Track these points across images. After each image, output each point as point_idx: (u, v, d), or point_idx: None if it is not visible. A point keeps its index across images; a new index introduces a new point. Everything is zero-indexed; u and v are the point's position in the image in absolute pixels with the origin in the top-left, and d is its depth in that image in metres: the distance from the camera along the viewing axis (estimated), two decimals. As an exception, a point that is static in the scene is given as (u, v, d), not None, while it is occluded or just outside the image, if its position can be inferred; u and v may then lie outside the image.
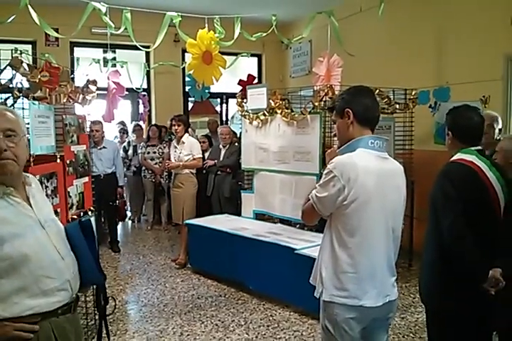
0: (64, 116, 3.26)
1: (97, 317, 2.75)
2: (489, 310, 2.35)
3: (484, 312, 2.32)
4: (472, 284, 2.25)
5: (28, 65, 2.75)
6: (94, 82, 3.61)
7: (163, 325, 3.89)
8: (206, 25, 4.35)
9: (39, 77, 2.90)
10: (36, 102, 2.82)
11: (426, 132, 5.50)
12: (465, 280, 2.26)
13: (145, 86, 7.86)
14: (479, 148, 2.47)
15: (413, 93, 5.02)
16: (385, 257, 2.07)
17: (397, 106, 4.91)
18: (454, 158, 2.44)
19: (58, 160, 3.10)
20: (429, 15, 5.52)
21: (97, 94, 3.71)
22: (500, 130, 3.55)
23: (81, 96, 3.34)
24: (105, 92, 5.24)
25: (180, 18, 4.20)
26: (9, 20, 3.97)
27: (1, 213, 1.56)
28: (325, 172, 2.05)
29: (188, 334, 3.72)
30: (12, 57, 2.64)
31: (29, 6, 3.76)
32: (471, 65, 4.98)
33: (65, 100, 3.09)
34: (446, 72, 5.39)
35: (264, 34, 4.72)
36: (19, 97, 2.63)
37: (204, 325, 3.88)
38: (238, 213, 5.72)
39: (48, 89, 2.81)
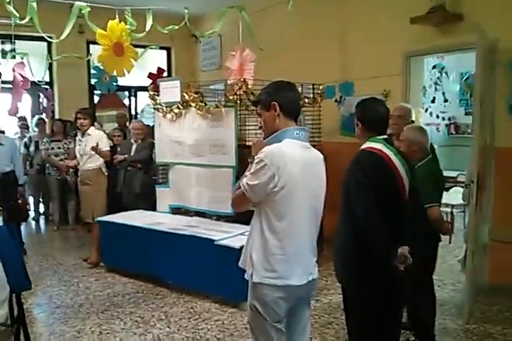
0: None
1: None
2: (400, 291, 2.55)
3: (397, 294, 2.52)
4: (386, 269, 2.40)
5: None
6: (-2, 74, 3.38)
7: (80, 325, 3.76)
8: (117, 16, 4.23)
9: None
10: None
11: (333, 125, 5.79)
12: (379, 265, 2.41)
13: (47, 79, 7.46)
14: (385, 136, 2.65)
15: (320, 87, 5.25)
16: (309, 239, 2.24)
17: (306, 100, 5.11)
18: (364, 146, 2.60)
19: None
20: (334, 13, 5.79)
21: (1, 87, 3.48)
22: (412, 121, 3.83)
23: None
24: (8, 85, 4.91)
25: (89, 9, 4.05)
26: None
27: None
28: (255, 161, 2.14)
29: (107, 333, 3.63)
30: None
31: None
32: (373, 61, 5.32)
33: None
34: (350, 67, 5.70)
35: (177, 27, 4.69)
36: None
37: (123, 322, 3.81)
38: (152, 209, 5.64)
39: None
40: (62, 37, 4.15)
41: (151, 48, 6.59)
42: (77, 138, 5.52)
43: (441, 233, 3.40)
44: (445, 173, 6.62)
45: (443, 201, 3.50)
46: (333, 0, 5.78)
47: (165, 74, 7.82)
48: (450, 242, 5.72)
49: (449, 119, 9.47)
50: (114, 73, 4.22)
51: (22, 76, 4.72)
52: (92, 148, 5.07)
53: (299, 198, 2.15)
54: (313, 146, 5.43)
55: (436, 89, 9.26)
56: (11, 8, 3.96)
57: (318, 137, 5.41)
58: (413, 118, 3.91)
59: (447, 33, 4.60)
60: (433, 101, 9.26)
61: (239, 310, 3.94)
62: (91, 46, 7.68)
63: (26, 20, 4.05)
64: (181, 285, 4.41)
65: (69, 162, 5.63)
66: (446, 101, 9.41)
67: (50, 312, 4.04)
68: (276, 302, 2.16)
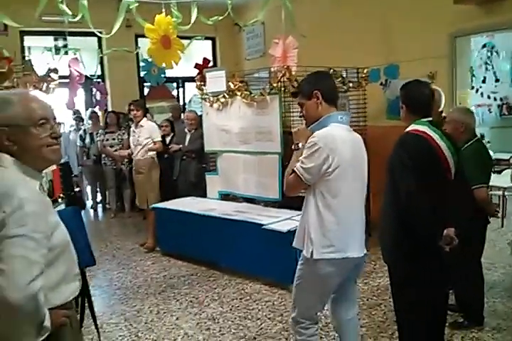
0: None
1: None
2: (446, 270, 2.60)
3: (442, 274, 2.57)
4: (431, 249, 2.46)
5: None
6: (56, 71, 3.62)
7: (139, 305, 4.01)
8: (163, 10, 4.38)
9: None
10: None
11: (378, 108, 5.76)
12: (424, 244, 2.46)
13: (99, 73, 7.77)
14: (430, 119, 2.68)
15: (365, 71, 5.24)
16: (360, 214, 2.47)
17: (351, 84, 5.13)
18: (409, 129, 2.64)
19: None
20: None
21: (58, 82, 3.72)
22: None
23: (45, 84, 3.35)
24: (65, 80, 5.20)
25: (137, 4, 4.21)
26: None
27: (46, 201, 1.57)
28: (308, 145, 2.31)
29: (164, 312, 3.85)
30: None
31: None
32: (418, 43, 5.25)
33: (31, 89, 3.10)
34: (394, 50, 5.64)
35: (221, 18, 4.78)
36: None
37: (179, 303, 4.03)
38: (205, 196, 5.85)
39: (15, 79, 2.83)
40: (113, 32, 4.34)
41: (196, 39, 6.75)
42: (131, 129, 5.75)
43: (489, 215, 3.39)
44: (497, 156, 6.51)
45: (495, 184, 3.49)
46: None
47: (210, 64, 7.99)
48: (502, 225, 5.64)
49: (501, 100, 9.13)
50: (163, 65, 4.37)
51: (77, 71, 4.98)
52: (150, 149, 5.34)
53: (350, 176, 2.35)
54: (358, 130, 5.52)
55: (486, 68, 8.94)
56: (63, 6, 4.16)
57: (363, 121, 5.41)
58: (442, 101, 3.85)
59: (492, 12, 4.49)
60: (483, 81, 8.96)
61: (288, 292, 4.06)
62: (139, 39, 7.93)
63: (78, 17, 4.26)
64: (233, 268, 4.58)
65: (122, 152, 5.89)
66: (497, 81, 9.07)
67: (111, 293, 4.31)
68: (330, 275, 2.35)
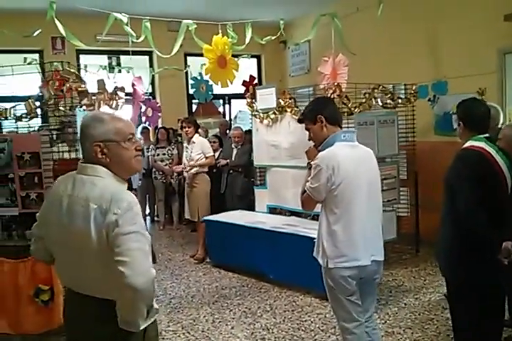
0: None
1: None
2: (502, 279, 2.63)
3: (498, 280, 2.60)
4: (487, 255, 2.52)
5: (76, 75, 3.00)
6: (123, 89, 3.85)
7: (195, 314, 4.15)
8: (220, 31, 4.60)
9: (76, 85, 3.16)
10: (81, 109, 3.06)
11: (426, 124, 5.80)
12: (481, 251, 2.53)
13: (150, 90, 8.10)
14: (487, 135, 2.75)
15: (413, 88, 5.30)
16: (370, 224, 2.61)
17: (400, 100, 5.20)
18: (466, 145, 2.71)
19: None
20: (423, 13, 5.81)
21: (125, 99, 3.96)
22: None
23: (114, 102, 3.58)
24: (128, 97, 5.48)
25: (195, 26, 4.45)
26: (35, 34, 4.22)
27: None
28: (313, 166, 2.57)
29: (219, 321, 3.98)
30: (63, 68, 2.88)
31: (55, 19, 4.00)
32: (467, 59, 5.29)
33: (103, 106, 3.34)
34: (443, 66, 5.69)
35: (273, 37, 4.99)
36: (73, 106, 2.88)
37: (233, 313, 4.15)
38: (250, 209, 6.00)
39: (93, 97, 3.06)
40: (173, 52, 4.61)
41: (243, 58, 7.00)
42: (184, 145, 5.96)
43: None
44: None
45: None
46: (423, 1, 5.80)
47: (255, 81, 8.22)
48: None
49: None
50: (219, 84, 4.57)
51: (140, 89, 5.24)
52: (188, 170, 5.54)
53: (355, 190, 2.55)
54: (406, 146, 5.57)
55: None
56: (128, 28, 4.44)
57: (411, 137, 5.46)
58: (500, 119, 3.88)
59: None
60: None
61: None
62: (188, 58, 8.25)
63: (142, 38, 4.53)
64: (282, 281, 4.67)
65: (177, 167, 6.11)
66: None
67: (167, 302, 4.47)
68: (346, 280, 2.55)
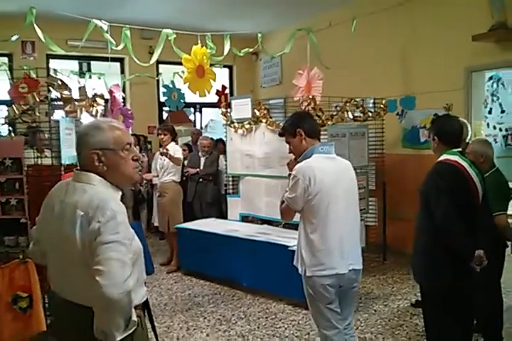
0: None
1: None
2: (475, 286, 2.79)
3: (470, 287, 2.76)
4: (461, 262, 2.67)
5: (61, 82, 3.00)
6: (102, 96, 3.86)
7: (169, 321, 4.15)
8: (199, 41, 4.66)
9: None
10: (64, 116, 3.06)
11: (394, 137, 6.02)
12: (456, 259, 2.68)
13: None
14: (460, 149, 2.92)
15: (383, 102, 5.50)
16: (347, 233, 2.72)
17: (370, 114, 5.38)
18: (441, 158, 2.87)
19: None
20: (395, 30, 6.04)
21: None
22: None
23: (94, 109, 3.59)
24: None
25: (175, 35, 4.50)
26: (13, 38, 4.17)
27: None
28: (291, 177, 2.69)
29: (194, 329, 4.00)
30: (48, 75, 2.88)
31: (34, 24, 3.97)
32: (435, 76, 5.54)
33: (83, 114, 3.34)
34: (412, 82, 5.93)
35: (251, 49, 5.09)
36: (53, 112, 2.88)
37: (207, 320, 4.18)
38: (221, 217, 6.06)
39: (75, 104, 3.06)
40: (152, 61, 4.63)
41: (216, 67, 7.07)
42: (157, 153, 5.93)
43: (508, 240, 3.60)
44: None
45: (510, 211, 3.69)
46: (395, 18, 6.04)
47: (227, 90, 8.29)
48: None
49: (506, 130, 9.43)
50: (197, 94, 4.62)
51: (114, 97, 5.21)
52: (162, 153, 5.45)
53: (332, 200, 2.65)
54: (376, 158, 5.75)
55: (493, 100, 9.27)
56: (108, 36, 4.43)
57: (380, 149, 5.66)
58: (469, 133, 4.10)
59: (509, 49, 4.79)
60: (490, 112, 9.27)
61: (312, 312, 4.22)
62: (160, 66, 8.27)
63: (121, 46, 4.54)
64: (255, 288, 4.74)
65: (147, 175, 6.10)
66: (503, 112, 9.39)
67: (140, 310, 4.44)
68: (325, 288, 2.64)
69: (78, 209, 1.68)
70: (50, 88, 2.93)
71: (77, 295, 1.74)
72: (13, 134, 3.31)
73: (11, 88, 5.14)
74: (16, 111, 2.98)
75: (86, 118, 3.88)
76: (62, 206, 1.76)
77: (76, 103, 3.22)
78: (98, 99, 3.85)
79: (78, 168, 1.86)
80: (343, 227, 2.70)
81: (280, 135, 2.98)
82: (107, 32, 4.33)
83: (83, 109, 3.33)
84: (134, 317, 1.70)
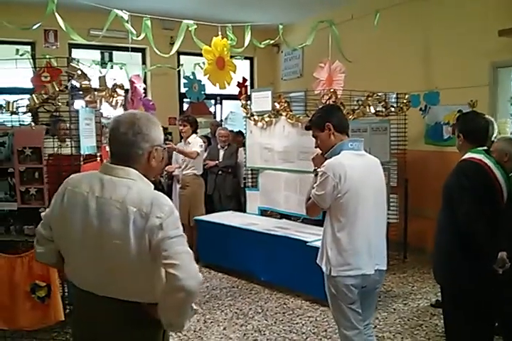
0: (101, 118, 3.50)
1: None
2: (497, 288, 2.71)
3: (492, 289, 2.69)
4: (484, 263, 2.60)
5: (81, 71, 2.98)
6: (122, 86, 3.84)
7: (185, 313, 4.15)
8: (219, 32, 4.62)
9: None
10: (83, 106, 3.05)
11: (417, 133, 5.91)
12: (478, 260, 2.61)
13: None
14: (485, 148, 2.84)
15: (406, 97, 5.40)
16: (375, 233, 2.63)
17: (392, 109, 5.28)
18: (465, 156, 2.79)
19: (98, 159, 3.34)
20: (419, 24, 5.91)
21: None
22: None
23: (114, 99, 3.57)
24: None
25: (195, 26, 4.46)
26: (35, 27, 4.17)
27: None
28: (320, 174, 2.58)
29: (211, 322, 4.00)
30: (68, 64, 2.87)
31: (56, 13, 3.96)
32: (460, 71, 5.40)
33: (103, 104, 3.32)
34: (435, 77, 5.80)
35: (272, 41, 5.02)
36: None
37: (224, 313, 4.17)
38: (240, 210, 6.04)
39: (95, 94, 3.04)
40: (172, 52, 4.61)
41: (236, 59, 7.02)
42: (178, 144, 5.91)
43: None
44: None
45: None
46: (419, 11, 5.90)
47: (247, 83, 8.24)
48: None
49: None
50: (217, 86, 4.59)
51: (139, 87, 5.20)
52: (171, 148, 5.39)
53: (361, 199, 2.56)
54: (398, 154, 5.64)
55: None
56: (129, 26, 4.42)
57: (403, 145, 5.56)
58: (495, 131, 3.97)
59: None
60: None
61: (329, 309, 4.17)
62: (181, 57, 8.24)
63: (142, 36, 4.52)
64: (273, 283, 4.71)
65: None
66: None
67: (157, 301, 4.46)
68: (349, 288, 2.57)
69: (129, 206, 1.67)
70: (70, 78, 2.90)
71: (124, 291, 1.73)
72: (33, 123, 3.29)
73: (33, 76, 5.20)
74: (36, 101, 2.97)
75: (106, 109, 3.90)
76: (100, 202, 1.71)
77: (96, 93, 3.19)
78: (118, 90, 3.82)
79: (109, 161, 1.81)
80: (371, 227, 2.61)
81: (307, 128, 2.88)
82: (127, 22, 4.31)
83: (103, 99, 3.30)
84: (194, 305, 1.78)
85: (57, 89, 2.95)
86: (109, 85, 3.82)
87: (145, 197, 1.69)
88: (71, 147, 3.49)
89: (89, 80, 3.04)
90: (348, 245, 2.55)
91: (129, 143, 1.75)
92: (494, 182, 2.72)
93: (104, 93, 3.47)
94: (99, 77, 3.48)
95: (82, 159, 3.09)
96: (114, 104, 3.68)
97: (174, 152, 5.86)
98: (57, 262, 1.90)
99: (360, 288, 2.61)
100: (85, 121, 3.11)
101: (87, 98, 3.05)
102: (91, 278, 1.77)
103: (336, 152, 2.63)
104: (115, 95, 3.80)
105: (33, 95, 3.04)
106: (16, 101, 3.11)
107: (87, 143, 3.12)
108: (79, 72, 2.98)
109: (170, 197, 7.02)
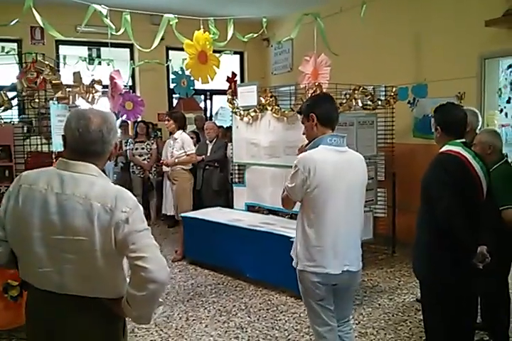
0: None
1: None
2: (475, 286, 2.67)
3: (471, 283, 2.64)
4: (462, 257, 2.55)
5: (50, 67, 2.92)
6: (100, 82, 3.78)
7: (169, 311, 4.12)
8: (201, 26, 4.55)
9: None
10: (56, 102, 2.99)
11: (405, 126, 5.85)
12: (456, 253, 2.56)
13: (130, 83, 7.99)
14: (463, 140, 2.78)
15: (393, 90, 5.33)
16: (345, 233, 2.55)
17: (380, 102, 5.22)
18: (443, 149, 2.74)
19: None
20: (407, 16, 5.86)
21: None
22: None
23: (91, 95, 3.51)
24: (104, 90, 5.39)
25: (176, 20, 4.39)
26: (12, 23, 4.11)
27: None
28: (293, 166, 2.54)
29: (193, 319, 3.96)
30: (36, 60, 2.81)
31: (33, 9, 3.90)
32: (448, 63, 5.34)
33: (78, 100, 3.27)
34: (423, 69, 5.74)
35: (255, 35, 4.95)
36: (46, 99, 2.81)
37: (207, 311, 4.13)
38: (228, 205, 5.99)
39: (68, 90, 2.99)
40: (153, 47, 4.53)
41: (225, 54, 6.95)
42: (167, 140, 5.86)
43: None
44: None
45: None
46: (406, 3, 5.84)
47: (237, 77, 8.16)
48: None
49: (526, 120, 9.14)
50: (200, 80, 4.52)
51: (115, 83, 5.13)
52: (168, 164, 5.47)
53: (332, 196, 2.49)
54: (385, 148, 5.58)
55: (511, 89, 8.97)
56: (108, 21, 4.35)
57: (390, 139, 5.50)
58: (479, 123, 3.90)
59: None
60: (508, 101, 8.97)
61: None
62: (170, 52, 8.16)
63: (121, 31, 4.44)
64: (258, 279, 4.67)
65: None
66: (523, 101, 9.09)
67: (141, 299, 4.42)
68: (315, 285, 2.54)
69: (93, 201, 1.66)
70: (39, 73, 2.84)
71: (87, 287, 1.72)
72: (1, 121, 3.23)
73: (19, 74, 5.15)
74: (4, 97, 2.90)
75: (83, 105, 3.84)
76: (60, 198, 1.68)
77: (69, 89, 3.13)
78: (96, 86, 3.76)
79: (66, 157, 1.76)
80: (340, 226, 2.52)
81: (298, 113, 2.86)
82: (106, 17, 4.24)
83: (77, 95, 3.24)
84: (160, 298, 1.80)
85: (26, 86, 2.89)
86: (87, 81, 3.77)
87: (109, 192, 1.70)
88: (47, 144, 3.44)
89: (58, 76, 2.97)
90: (316, 242, 2.50)
91: (102, 140, 1.76)
92: (473, 176, 2.67)
93: (78, 89, 3.40)
94: (74, 73, 3.42)
95: (54, 156, 3.03)
96: (90, 99, 3.62)
97: (164, 147, 5.81)
98: (9, 262, 1.85)
99: (330, 285, 2.56)
100: (58, 117, 3.05)
101: (59, 94, 2.99)
102: (51, 277, 1.73)
103: (314, 145, 2.57)
104: (93, 91, 3.75)
105: (0, 92, 2.98)
106: (-13, 98, 3.05)
107: (59, 140, 3.05)
108: (48, 67, 2.91)
109: (160, 193, 7.06)
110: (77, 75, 3.38)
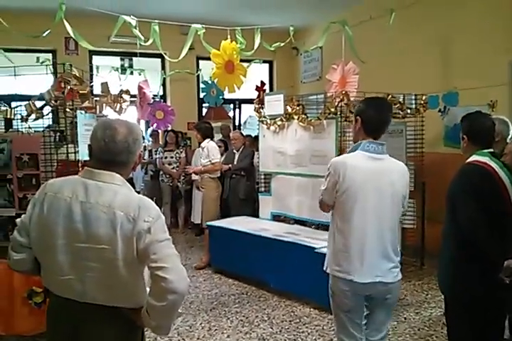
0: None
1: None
2: (503, 296, 2.56)
3: (497, 296, 2.53)
4: (488, 269, 2.46)
5: (76, 77, 2.99)
6: (128, 92, 3.84)
7: (192, 320, 4.11)
8: (229, 36, 4.58)
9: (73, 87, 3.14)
10: (83, 112, 3.05)
11: (436, 135, 5.71)
12: (481, 266, 2.47)
13: (161, 93, 8.11)
14: (491, 150, 2.69)
15: (423, 98, 5.22)
16: (375, 242, 2.47)
17: (409, 110, 5.12)
18: (470, 159, 2.65)
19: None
20: (435, 23, 5.74)
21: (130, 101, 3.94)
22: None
23: (118, 105, 3.57)
24: (133, 99, 5.49)
25: (204, 30, 4.43)
26: (44, 34, 4.22)
27: None
28: (327, 169, 2.54)
29: (216, 329, 3.93)
30: (64, 70, 2.88)
31: (64, 20, 4.00)
32: (478, 70, 5.19)
33: (106, 109, 3.32)
34: (453, 77, 5.60)
35: (282, 44, 4.95)
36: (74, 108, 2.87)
37: (230, 321, 4.10)
38: (254, 214, 5.97)
39: (94, 100, 3.05)
40: (181, 57, 4.58)
41: (255, 63, 6.97)
42: (197, 149, 5.93)
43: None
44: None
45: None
46: (435, 11, 5.73)
47: (266, 86, 8.18)
48: None
49: None
50: (226, 90, 4.55)
51: (144, 93, 5.22)
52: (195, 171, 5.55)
53: (362, 203, 2.44)
54: (415, 157, 5.46)
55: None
56: (137, 31, 4.44)
57: (420, 148, 5.38)
58: (510, 132, 3.76)
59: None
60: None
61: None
62: (200, 62, 8.26)
63: (150, 42, 4.52)
64: (282, 290, 4.62)
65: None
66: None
67: (165, 307, 4.43)
68: (344, 293, 2.49)
69: (116, 210, 1.68)
70: (66, 83, 2.91)
71: (108, 296, 1.74)
72: (32, 130, 3.31)
73: (54, 84, 5.31)
74: (33, 107, 2.98)
75: (110, 115, 3.90)
76: (85, 206, 1.70)
77: (96, 99, 3.19)
78: (124, 95, 3.82)
79: (92, 166, 1.79)
80: (368, 235, 2.44)
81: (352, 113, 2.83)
82: (135, 27, 4.32)
83: (104, 105, 3.30)
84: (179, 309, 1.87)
85: (53, 96, 2.96)
86: (115, 91, 3.84)
87: (132, 201, 1.71)
88: (74, 153, 3.51)
89: (85, 86, 3.03)
90: (343, 247, 2.49)
91: (128, 150, 1.78)
92: (500, 187, 2.57)
93: (106, 99, 3.46)
94: (101, 83, 3.49)
95: (80, 165, 3.09)
96: (117, 109, 3.68)
97: (194, 155, 5.87)
98: (34, 269, 1.87)
99: (362, 297, 2.50)
100: (85, 126, 3.12)
101: (86, 104, 3.06)
102: (72, 285, 1.74)
103: (352, 150, 2.56)
104: (121, 101, 3.81)
105: (29, 102, 3.06)
106: (15, 108, 3.14)
107: (86, 149, 3.11)
108: (74, 78, 2.98)
109: (189, 202, 7.11)
110: (104, 85, 3.45)
